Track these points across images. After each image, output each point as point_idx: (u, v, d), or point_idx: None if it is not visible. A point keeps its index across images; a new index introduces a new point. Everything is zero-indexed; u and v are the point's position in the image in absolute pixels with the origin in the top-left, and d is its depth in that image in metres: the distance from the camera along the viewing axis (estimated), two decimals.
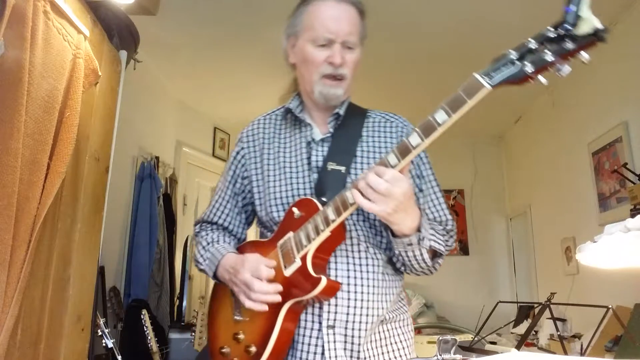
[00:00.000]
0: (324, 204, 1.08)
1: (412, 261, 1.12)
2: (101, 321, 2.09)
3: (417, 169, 1.22)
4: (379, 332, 1.15)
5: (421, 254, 1.09)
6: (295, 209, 1.12)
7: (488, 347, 2.66)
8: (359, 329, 1.10)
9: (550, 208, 3.82)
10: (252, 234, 1.39)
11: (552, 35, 0.85)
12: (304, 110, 1.28)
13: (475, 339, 2.56)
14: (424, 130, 0.94)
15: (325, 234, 1.05)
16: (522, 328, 3.30)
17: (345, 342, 1.10)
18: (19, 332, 1.29)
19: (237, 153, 1.32)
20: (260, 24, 2.99)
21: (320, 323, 1.10)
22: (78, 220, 1.63)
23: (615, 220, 1.08)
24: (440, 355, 0.85)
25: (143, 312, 2.41)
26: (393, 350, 1.16)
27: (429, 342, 3.01)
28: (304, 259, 1.07)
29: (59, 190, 1.43)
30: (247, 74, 3.68)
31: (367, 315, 1.11)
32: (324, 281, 1.03)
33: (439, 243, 1.12)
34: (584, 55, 0.82)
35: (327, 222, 1.04)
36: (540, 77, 0.87)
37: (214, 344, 1.22)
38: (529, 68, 0.86)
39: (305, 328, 1.12)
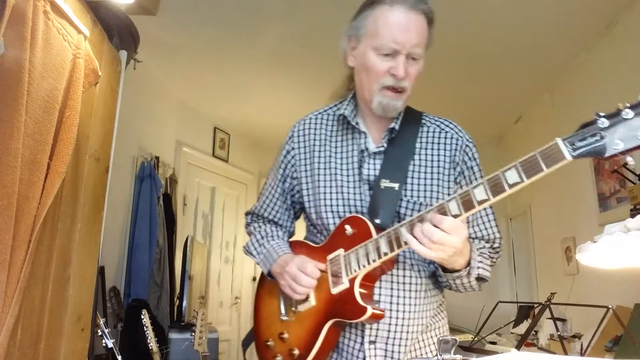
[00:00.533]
0: (376, 226, 1.09)
1: (459, 287, 1.15)
2: (101, 321, 2.08)
3: (469, 184, 1.20)
4: (417, 342, 1.18)
5: (469, 282, 1.12)
6: (347, 226, 1.14)
7: (488, 347, 2.67)
8: (399, 345, 1.14)
9: (550, 208, 3.81)
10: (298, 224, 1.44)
11: None
12: (357, 115, 1.26)
13: (475, 339, 2.56)
14: (492, 187, 0.91)
15: (376, 264, 1.07)
16: (522, 328, 3.29)
17: (385, 356, 1.14)
18: (19, 332, 1.29)
19: (288, 152, 1.31)
20: (260, 24, 2.98)
21: (362, 337, 1.14)
22: (78, 220, 1.62)
23: (615, 220, 1.08)
24: (440, 355, 0.85)
25: (143, 312, 2.40)
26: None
27: None
28: (352, 282, 1.10)
29: (59, 190, 1.43)
30: (247, 74, 3.68)
31: (408, 332, 1.14)
32: (369, 312, 1.06)
33: (486, 270, 1.14)
34: None
35: (379, 254, 1.05)
36: (628, 157, 0.78)
37: (260, 335, 1.27)
38: (618, 145, 0.77)
39: (349, 339, 1.16)
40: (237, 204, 4.95)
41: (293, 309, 1.20)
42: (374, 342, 1.13)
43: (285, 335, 1.19)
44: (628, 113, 0.76)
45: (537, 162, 0.85)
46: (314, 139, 1.28)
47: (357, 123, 1.24)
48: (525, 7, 2.71)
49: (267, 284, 1.31)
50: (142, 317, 2.38)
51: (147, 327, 2.36)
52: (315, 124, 1.30)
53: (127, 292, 3.04)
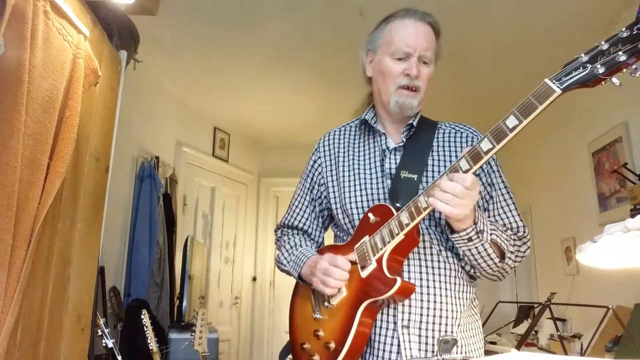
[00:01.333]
0: (398, 209, 1.13)
1: (478, 260, 1.15)
2: (101, 321, 2.09)
3: (487, 176, 1.25)
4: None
5: (485, 250, 1.13)
6: (370, 214, 1.19)
7: (488, 347, 2.67)
8: (433, 330, 1.16)
9: (550, 208, 3.82)
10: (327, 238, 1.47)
11: (625, 35, 0.85)
12: (377, 121, 1.36)
13: None
14: (495, 136, 0.99)
15: (400, 237, 1.11)
16: (522, 328, 3.29)
17: (420, 342, 1.15)
18: (19, 332, 1.29)
19: (315, 162, 1.42)
20: (260, 24, 2.99)
21: (395, 323, 1.16)
22: (78, 220, 1.63)
23: (615, 220, 1.08)
24: (441, 355, 0.85)
25: (143, 312, 2.41)
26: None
27: None
28: (379, 261, 1.13)
29: (59, 190, 1.43)
30: (247, 74, 3.68)
31: (441, 317, 1.16)
32: (398, 282, 1.08)
33: (502, 239, 1.16)
34: None
35: (401, 227, 1.10)
36: (614, 78, 0.88)
37: (296, 340, 1.30)
38: (600, 70, 0.87)
39: (381, 327, 1.18)
40: (237, 204, 4.95)
41: (326, 304, 1.22)
42: (407, 327, 1.15)
43: (320, 332, 1.21)
44: (603, 45, 0.87)
45: (531, 102, 0.94)
46: (339, 147, 1.38)
47: (377, 127, 1.33)
48: (525, 7, 2.71)
49: (299, 292, 1.35)
50: (142, 317, 2.39)
51: (147, 327, 2.36)
52: (340, 135, 1.41)
53: (127, 292, 3.04)
